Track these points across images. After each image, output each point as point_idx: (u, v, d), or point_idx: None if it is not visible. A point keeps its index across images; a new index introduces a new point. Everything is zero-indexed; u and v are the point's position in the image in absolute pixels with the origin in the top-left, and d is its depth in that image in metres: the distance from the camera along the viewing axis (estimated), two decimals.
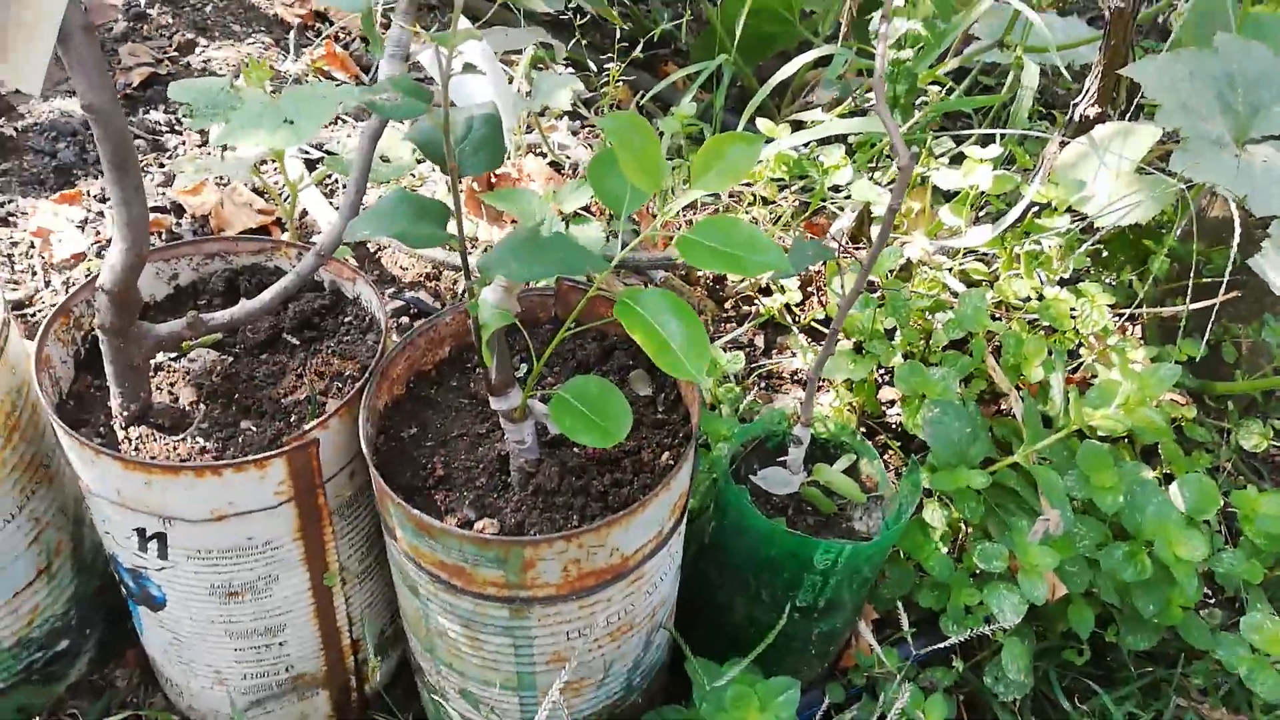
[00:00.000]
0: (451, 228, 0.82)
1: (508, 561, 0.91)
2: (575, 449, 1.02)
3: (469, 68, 0.72)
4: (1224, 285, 1.34)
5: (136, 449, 0.99)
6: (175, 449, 0.99)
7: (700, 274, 1.75)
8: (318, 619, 1.11)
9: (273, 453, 0.93)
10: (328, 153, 1.91)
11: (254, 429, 1.02)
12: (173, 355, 1.08)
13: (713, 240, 0.79)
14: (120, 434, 1.00)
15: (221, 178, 1.81)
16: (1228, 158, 1.32)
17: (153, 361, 1.07)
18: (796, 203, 1.78)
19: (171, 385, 1.06)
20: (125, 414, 0.99)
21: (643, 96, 2.08)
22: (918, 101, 1.80)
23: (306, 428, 0.95)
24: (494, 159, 0.78)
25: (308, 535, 1.02)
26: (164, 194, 1.79)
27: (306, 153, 1.91)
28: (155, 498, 0.93)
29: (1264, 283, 1.26)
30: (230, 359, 1.09)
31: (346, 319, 1.15)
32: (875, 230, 1.64)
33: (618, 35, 2.09)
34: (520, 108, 1.72)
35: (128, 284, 0.84)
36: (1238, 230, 1.33)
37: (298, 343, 1.13)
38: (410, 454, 1.03)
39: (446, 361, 1.13)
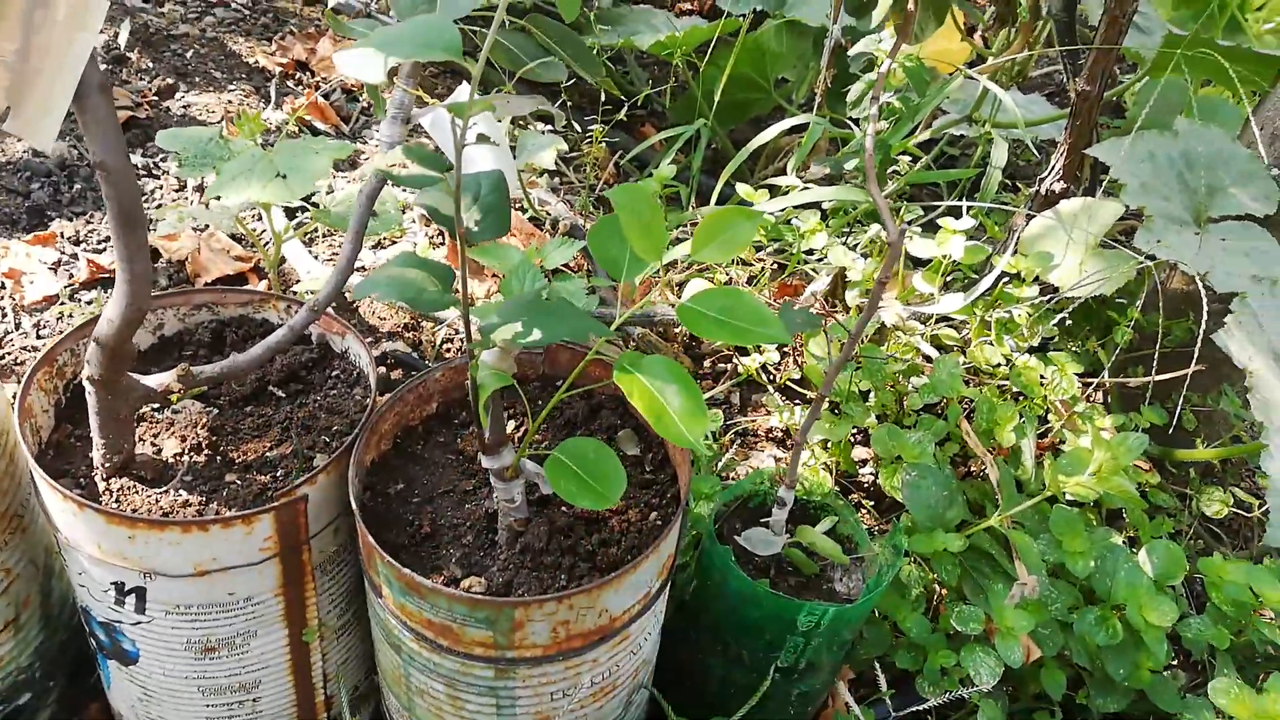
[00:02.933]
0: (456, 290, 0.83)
1: (497, 622, 0.90)
2: (564, 508, 1.03)
3: (482, 138, 0.74)
4: (1194, 357, 1.39)
5: (118, 501, 0.97)
6: (157, 502, 0.98)
7: (678, 330, 1.78)
8: (294, 675, 1.09)
9: (261, 509, 0.93)
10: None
11: (238, 483, 1.01)
12: (156, 406, 1.07)
13: (715, 310, 0.81)
14: (101, 485, 0.98)
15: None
16: (1189, 236, 1.38)
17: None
18: (774, 264, 1.82)
19: (154, 436, 1.05)
20: (107, 465, 0.98)
21: (621, 157, 2.12)
22: (890, 171, 1.86)
23: (296, 483, 0.95)
24: (501, 226, 0.79)
25: (289, 591, 1.01)
26: None
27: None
28: (137, 552, 0.92)
29: (1221, 353, 1.31)
30: (215, 411, 1.09)
31: (334, 373, 1.14)
32: (849, 294, 1.68)
33: (602, 98, 2.14)
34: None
35: (124, 338, 0.83)
36: (1205, 308, 1.38)
37: (284, 395, 1.12)
38: (397, 510, 1.03)
39: (434, 417, 1.13)
